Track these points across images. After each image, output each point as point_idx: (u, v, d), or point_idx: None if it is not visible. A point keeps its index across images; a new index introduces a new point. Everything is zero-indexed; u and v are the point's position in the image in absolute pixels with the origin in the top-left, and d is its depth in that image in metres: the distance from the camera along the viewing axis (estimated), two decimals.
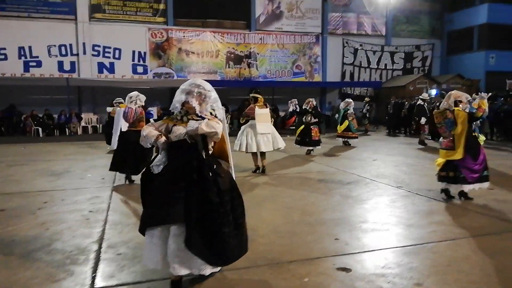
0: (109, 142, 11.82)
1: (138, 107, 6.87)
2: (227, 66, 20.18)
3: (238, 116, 11.59)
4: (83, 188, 6.50)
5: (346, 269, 3.28)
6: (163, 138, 2.92)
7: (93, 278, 3.13)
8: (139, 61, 18.89)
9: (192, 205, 2.76)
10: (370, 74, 22.71)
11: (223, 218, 2.81)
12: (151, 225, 2.82)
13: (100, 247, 3.80)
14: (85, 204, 5.49)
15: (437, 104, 14.47)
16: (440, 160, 5.49)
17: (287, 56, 21.07)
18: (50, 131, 16.89)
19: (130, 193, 6.18)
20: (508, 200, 5.50)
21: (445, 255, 3.57)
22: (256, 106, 7.53)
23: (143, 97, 6.98)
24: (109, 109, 11.97)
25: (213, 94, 3.05)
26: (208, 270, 2.88)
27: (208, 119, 2.93)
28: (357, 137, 12.48)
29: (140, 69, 18.92)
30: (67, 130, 17.19)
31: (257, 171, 7.74)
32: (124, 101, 11.31)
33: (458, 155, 5.20)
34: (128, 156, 6.67)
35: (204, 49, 19.81)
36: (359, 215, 4.89)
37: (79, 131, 17.38)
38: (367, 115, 18.03)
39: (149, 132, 2.95)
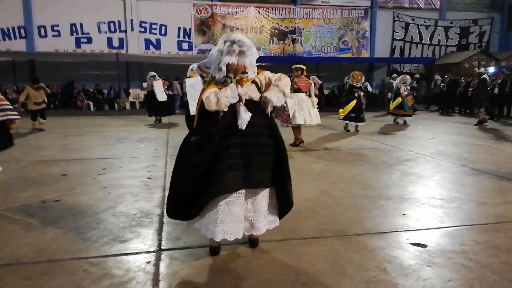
0: (151, 114, 12.17)
1: None
2: (271, 42, 19.84)
3: None
4: (138, 157, 6.62)
5: (421, 245, 3.06)
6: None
7: (160, 240, 3.13)
8: (184, 37, 18.97)
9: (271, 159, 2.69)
10: (422, 50, 21.50)
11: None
12: (233, 190, 2.58)
13: (162, 212, 3.81)
14: (143, 171, 5.58)
15: (499, 80, 13.50)
16: None
17: (334, 32, 20.35)
18: (100, 106, 17.50)
19: None
20: None
21: None
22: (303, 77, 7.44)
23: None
24: (144, 84, 12.28)
25: (254, 50, 2.71)
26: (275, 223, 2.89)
27: (260, 81, 2.71)
28: (410, 115, 11.88)
29: (185, 46, 19.01)
30: (116, 105, 17.74)
31: (301, 144, 7.62)
32: (157, 75, 11.81)
33: None
34: None
35: (248, 25, 19.54)
36: (425, 191, 4.60)
37: (127, 106, 17.89)
38: (414, 94, 17.14)
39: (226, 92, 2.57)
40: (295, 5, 19.89)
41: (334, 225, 3.45)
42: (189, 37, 19.01)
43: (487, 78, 12.16)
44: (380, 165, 6.07)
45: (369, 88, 10.55)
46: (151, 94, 11.90)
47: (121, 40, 18.24)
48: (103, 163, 6.14)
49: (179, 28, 18.83)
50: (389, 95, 14.07)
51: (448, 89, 16.20)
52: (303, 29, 20.01)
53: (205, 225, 2.69)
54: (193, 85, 6.31)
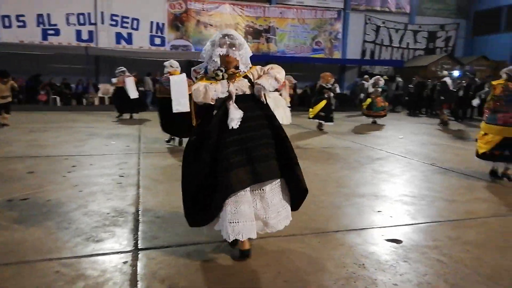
0: (121, 111, 11.89)
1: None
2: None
3: None
4: (109, 154, 6.42)
5: (396, 241, 3.14)
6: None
7: (136, 239, 3.04)
8: (157, 32, 18.57)
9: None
10: (391, 53, 22.07)
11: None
12: (243, 187, 2.52)
13: (137, 210, 3.71)
14: (114, 169, 5.42)
15: (463, 83, 14.07)
16: (494, 138, 5.01)
17: (307, 32, 20.53)
18: (67, 101, 16.86)
19: (157, 159, 6.11)
20: None
21: (498, 231, 3.41)
22: None
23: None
24: (114, 80, 11.98)
25: (247, 47, 2.73)
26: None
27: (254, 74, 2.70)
28: (382, 116, 12.15)
29: (157, 41, 18.62)
30: (84, 100, 17.16)
31: None
32: (127, 71, 11.62)
33: None
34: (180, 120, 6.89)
35: (223, 22, 19.36)
36: (396, 189, 4.72)
37: (96, 102, 17.34)
38: (387, 95, 17.59)
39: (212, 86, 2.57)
40: (270, 4, 19.93)
41: (312, 223, 3.47)
42: (162, 32, 18.63)
43: (449, 81, 12.66)
44: (352, 163, 6.19)
45: (338, 90, 10.74)
46: (121, 90, 11.61)
47: (90, 33, 17.63)
48: (72, 160, 5.92)
49: (152, 23, 18.42)
50: (361, 95, 14.37)
51: (415, 91, 16.74)
52: (277, 28, 20.08)
53: (222, 227, 2.62)
54: (177, 82, 6.22)
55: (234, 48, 2.61)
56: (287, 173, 2.69)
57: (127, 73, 11.83)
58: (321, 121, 10.07)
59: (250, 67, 2.73)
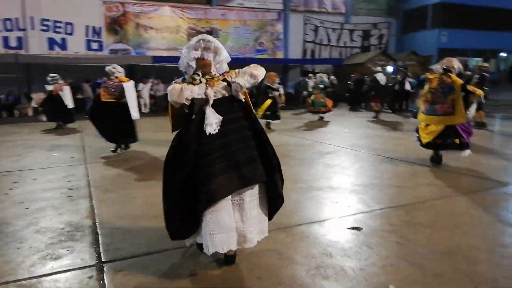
0: (52, 119, 11.15)
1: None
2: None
3: None
4: (53, 167, 6.04)
5: (357, 228, 3.30)
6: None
7: (98, 252, 2.90)
8: (93, 36, 17.76)
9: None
10: (330, 52, 22.98)
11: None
12: (227, 194, 2.43)
13: (94, 223, 3.54)
14: (61, 182, 5.11)
15: (399, 78, 15.03)
16: (437, 128, 5.36)
17: (250, 33, 20.76)
18: None
19: (106, 168, 5.86)
20: (482, 163, 5.78)
21: (445, 211, 3.70)
22: None
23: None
24: (50, 87, 11.20)
25: (224, 53, 2.66)
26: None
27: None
28: (326, 112, 12.59)
29: (95, 45, 17.81)
30: (15, 111, 15.95)
31: None
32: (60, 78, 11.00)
33: (461, 119, 5.20)
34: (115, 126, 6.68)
35: (164, 25, 19.01)
36: (349, 180, 4.94)
37: (30, 112, 16.19)
38: (334, 91, 18.29)
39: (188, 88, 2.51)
40: (211, 6, 19.88)
41: (275, 219, 3.50)
42: (99, 36, 17.84)
43: (380, 77, 13.54)
44: (305, 159, 6.37)
45: (281, 91, 10.92)
46: (54, 97, 10.88)
47: (19, 40, 16.41)
48: (13, 176, 5.49)
49: (87, 27, 17.56)
50: (305, 93, 14.81)
51: (354, 87, 17.58)
52: (219, 30, 20.08)
53: (203, 239, 2.51)
54: (131, 89, 6.05)
55: (209, 51, 2.56)
56: (268, 177, 2.62)
57: (61, 81, 11.15)
58: (268, 120, 10.26)
59: (228, 71, 2.67)
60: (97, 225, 3.47)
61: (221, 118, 2.49)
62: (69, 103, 10.89)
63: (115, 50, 18.16)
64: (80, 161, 6.49)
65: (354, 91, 17.68)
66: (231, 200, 2.50)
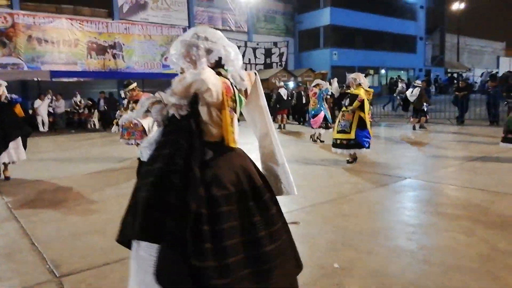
0: None
1: None
2: (89, 57, 18.53)
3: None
4: None
5: (295, 222, 3.69)
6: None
7: (50, 269, 2.80)
8: None
9: None
10: None
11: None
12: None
13: (32, 242, 3.34)
14: None
15: (302, 92, 16.34)
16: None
17: (156, 48, 20.55)
18: None
19: (16, 191, 5.40)
20: (378, 162, 6.73)
21: (362, 203, 4.34)
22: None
23: None
24: None
25: (221, 48, 1.89)
26: None
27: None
28: None
29: None
30: None
31: None
32: None
33: None
34: None
35: (61, 38, 17.78)
36: None
37: None
38: None
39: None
40: (113, 20, 19.23)
41: None
42: None
43: (283, 91, 14.72)
44: None
45: None
46: None
47: None
48: None
49: None
50: None
51: None
52: (123, 44, 19.49)
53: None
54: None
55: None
56: None
57: None
58: None
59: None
60: (36, 245, 3.29)
61: None
62: None
63: (4, 64, 16.38)
64: None
65: None
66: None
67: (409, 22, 30.94)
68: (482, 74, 29.00)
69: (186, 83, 1.73)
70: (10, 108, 5.89)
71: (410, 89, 11.91)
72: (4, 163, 6.02)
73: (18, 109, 6.06)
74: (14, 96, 6.12)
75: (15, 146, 5.94)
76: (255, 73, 2.12)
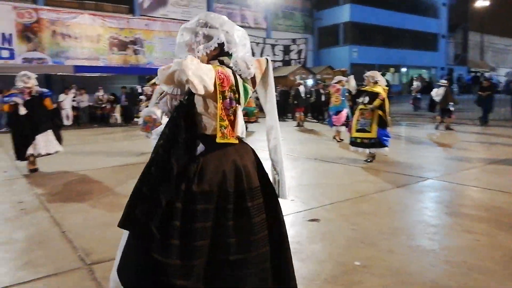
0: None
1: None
2: (111, 52, 18.87)
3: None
4: None
5: (315, 220, 3.75)
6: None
7: (81, 257, 2.93)
8: (3, 44, 16.28)
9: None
10: None
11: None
12: None
13: (63, 231, 3.49)
14: (6, 196, 4.81)
15: (320, 90, 16.27)
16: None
17: (175, 45, 20.72)
18: None
19: (51, 180, 5.60)
20: (398, 161, 6.69)
21: (382, 202, 4.35)
22: None
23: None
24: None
25: (220, 34, 1.77)
26: None
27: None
28: (256, 121, 13.18)
29: (5, 54, 16.32)
30: None
31: None
32: None
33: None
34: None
35: (83, 33, 18.14)
36: (298, 181, 5.41)
37: None
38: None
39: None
40: (134, 15, 19.52)
41: None
42: (10, 44, 16.41)
43: (302, 89, 14.64)
44: None
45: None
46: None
47: None
48: None
49: None
50: None
51: (281, 99, 18.59)
52: (144, 40, 19.76)
53: None
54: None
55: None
56: None
57: None
58: None
59: None
60: (66, 233, 3.43)
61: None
62: None
63: (29, 59, 16.84)
64: (16, 176, 6.08)
65: (280, 102, 18.71)
66: None
67: (430, 19, 30.38)
68: (507, 73, 28.30)
69: (168, 72, 1.66)
70: (41, 102, 6.09)
71: (435, 89, 11.77)
72: (32, 155, 6.19)
73: (48, 102, 6.25)
74: (44, 90, 6.32)
75: (45, 139, 6.13)
76: (267, 60, 1.96)
